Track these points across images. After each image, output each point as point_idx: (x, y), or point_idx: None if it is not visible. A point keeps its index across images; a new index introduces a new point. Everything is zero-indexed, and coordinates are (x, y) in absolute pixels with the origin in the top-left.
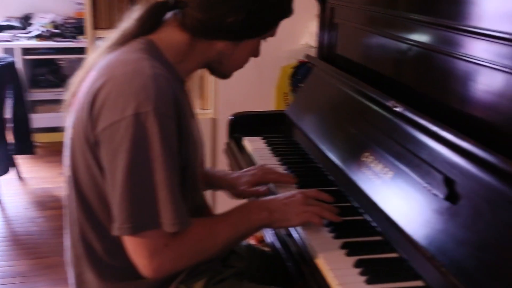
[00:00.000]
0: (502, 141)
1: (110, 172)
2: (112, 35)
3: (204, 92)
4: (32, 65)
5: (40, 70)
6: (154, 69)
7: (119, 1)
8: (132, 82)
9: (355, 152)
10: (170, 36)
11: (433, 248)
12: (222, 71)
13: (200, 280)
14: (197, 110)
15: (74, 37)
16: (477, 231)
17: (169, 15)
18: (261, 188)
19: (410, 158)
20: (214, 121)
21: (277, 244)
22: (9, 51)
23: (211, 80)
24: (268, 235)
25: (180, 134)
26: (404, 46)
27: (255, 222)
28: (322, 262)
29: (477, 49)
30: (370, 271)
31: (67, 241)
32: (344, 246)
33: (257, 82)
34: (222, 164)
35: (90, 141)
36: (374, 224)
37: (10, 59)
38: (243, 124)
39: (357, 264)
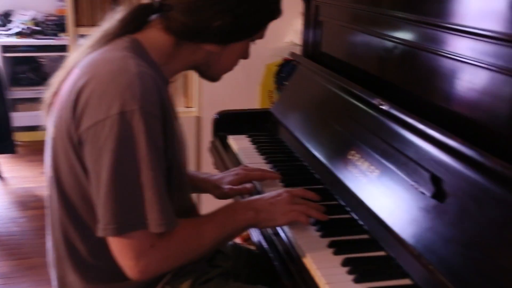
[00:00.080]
0: (487, 138)
1: (94, 172)
2: (94, 34)
3: (188, 90)
4: (13, 63)
5: (21, 68)
6: (139, 67)
7: None
8: (117, 80)
9: (341, 150)
10: (155, 37)
11: (421, 246)
12: (211, 74)
13: (186, 281)
14: (181, 108)
15: (55, 35)
16: (464, 228)
17: (154, 17)
18: (248, 185)
19: (397, 156)
20: (198, 119)
21: (264, 243)
22: None
23: (195, 78)
24: (255, 234)
25: (165, 134)
26: (389, 44)
27: (242, 222)
28: (309, 261)
29: (462, 46)
30: (358, 269)
31: (49, 242)
32: (331, 245)
33: (241, 80)
34: (206, 163)
35: (74, 141)
36: (361, 222)
37: None
38: (228, 123)
39: (345, 263)
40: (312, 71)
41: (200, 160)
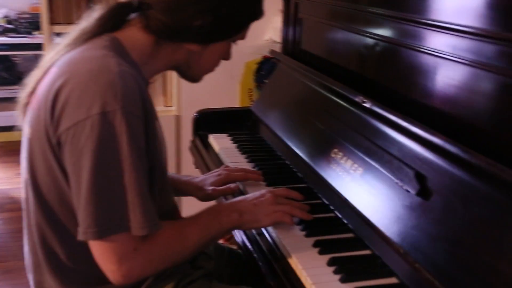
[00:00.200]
0: (468, 134)
1: (74, 173)
2: (71, 33)
3: (167, 89)
4: None
5: None
6: (120, 66)
7: None
8: (98, 80)
9: (323, 149)
10: (135, 36)
11: (406, 244)
12: (191, 75)
13: (169, 284)
14: (160, 107)
15: (29, 33)
16: (450, 226)
17: (133, 15)
18: (232, 185)
19: (380, 154)
20: (177, 118)
21: (248, 244)
22: None
23: (173, 77)
24: (238, 234)
25: (147, 135)
26: (368, 40)
27: (226, 224)
28: (294, 262)
29: (441, 43)
30: (344, 269)
31: (26, 246)
32: (316, 244)
33: (220, 78)
34: (186, 162)
35: (52, 142)
36: (345, 221)
37: None
38: (208, 121)
39: (331, 263)
40: (293, 69)
41: (180, 160)
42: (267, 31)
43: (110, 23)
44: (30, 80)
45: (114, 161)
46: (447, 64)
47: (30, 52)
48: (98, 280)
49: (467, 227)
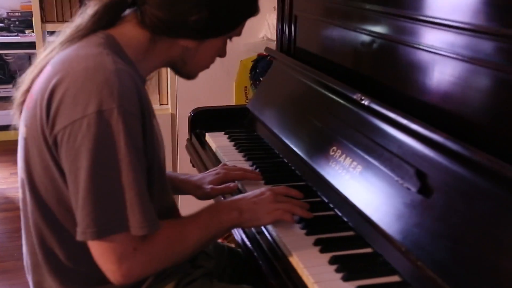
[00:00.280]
0: (467, 131)
1: (71, 173)
2: (65, 30)
3: (161, 87)
4: None
5: None
6: (116, 64)
7: None
8: (94, 78)
9: (321, 146)
10: (130, 32)
11: (408, 242)
12: (186, 71)
13: (169, 283)
14: (155, 106)
15: (21, 31)
16: (451, 223)
17: (128, 11)
18: (231, 184)
19: (380, 151)
20: (173, 117)
21: (247, 242)
22: None
23: (168, 75)
24: (237, 233)
25: (144, 133)
26: (364, 37)
27: (226, 223)
28: (296, 260)
29: (438, 39)
30: (346, 267)
31: (24, 247)
32: (317, 243)
33: (216, 76)
34: (182, 161)
35: (49, 141)
36: (345, 219)
37: None
38: (204, 120)
39: (332, 261)
40: (289, 66)
41: (176, 158)
42: (262, 29)
43: (105, 19)
44: (25, 78)
45: (111, 160)
46: (444, 61)
47: (23, 51)
48: (98, 280)
49: (469, 224)
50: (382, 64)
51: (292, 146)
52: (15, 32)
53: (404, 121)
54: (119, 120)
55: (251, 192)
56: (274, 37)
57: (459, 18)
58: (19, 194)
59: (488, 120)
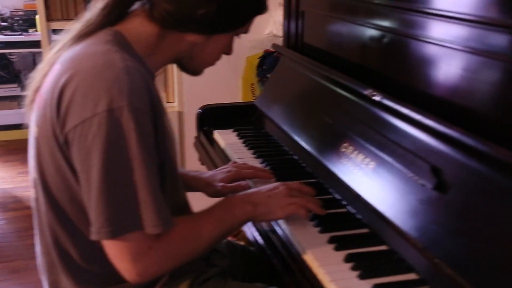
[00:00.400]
0: (479, 124)
1: (83, 172)
2: (74, 26)
3: (168, 85)
4: None
5: None
6: (125, 61)
7: None
8: (103, 76)
9: (332, 143)
10: (138, 27)
11: (425, 239)
12: (193, 67)
13: (184, 282)
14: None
15: (25, 30)
16: (469, 219)
17: (136, 5)
18: (242, 183)
19: (393, 147)
20: (180, 115)
21: (260, 240)
22: None
23: (174, 72)
24: (249, 231)
25: (156, 130)
26: (373, 32)
27: (239, 216)
28: (310, 258)
29: (449, 32)
30: (362, 265)
31: (37, 247)
32: (331, 241)
33: (222, 73)
34: (190, 159)
35: (60, 141)
36: (359, 216)
37: None
38: (212, 117)
39: (348, 259)
40: (297, 63)
41: (184, 156)
42: (268, 25)
43: (115, 13)
44: (35, 76)
45: (123, 159)
46: (454, 54)
47: (27, 50)
48: (113, 279)
49: (487, 221)
50: (390, 59)
51: (302, 142)
52: (19, 31)
53: (418, 117)
54: (130, 118)
55: (265, 186)
56: (280, 33)
57: (470, 10)
58: (32, 194)
59: (501, 114)
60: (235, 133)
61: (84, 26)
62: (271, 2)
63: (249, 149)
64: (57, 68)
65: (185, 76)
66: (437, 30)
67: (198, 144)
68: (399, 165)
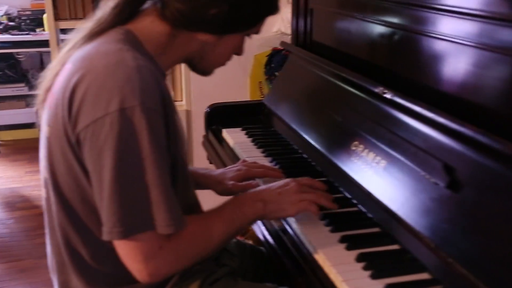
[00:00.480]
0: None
1: (95, 172)
2: (86, 25)
3: (175, 83)
4: None
5: None
6: (137, 60)
7: None
8: (115, 75)
9: (343, 141)
10: (149, 26)
11: (438, 238)
12: (203, 67)
13: (195, 282)
14: None
15: (32, 30)
16: (483, 218)
17: (148, 4)
18: (253, 182)
19: (404, 145)
20: (188, 113)
21: (271, 240)
22: None
23: (182, 71)
24: (259, 230)
25: (167, 129)
26: (383, 29)
27: (250, 214)
28: (322, 258)
29: (460, 28)
30: (374, 265)
31: (48, 246)
32: (343, 240)
33: (230, 71)
34: (198, 158)
35: (71, 141)
36: (370, 215)
37: None
38: (220, 116)
39: (359, 259)
40: (306, 60)
41: (192, 155)
42: (276, 23)
43: (126, 12)
44: (47, 75)
45: (135, 158)
46: (466, 51)
47: (34, 49)
48: (123, 280)
49: (502, 219)
50: (400, 56)
51: (311, 141)
52: (26, 31)
53: (430, 115)
54: (142, 118)
55: (275, 183)
56: (288, 31)
57: (478, 6)
58: (42, 194)
59: None
60: (244, 131)
61: (95, 25)
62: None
63: (258, 147)
64: (68, 68)
65: (193, 75)
66: (447, 26)
67: (207, 143)
68: (411, 163)
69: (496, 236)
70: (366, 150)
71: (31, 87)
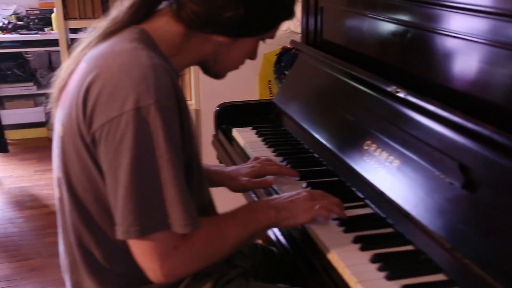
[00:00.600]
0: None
1: (111, 172)
2: (100, 24)
3: (184, 82)
4: None
5: (6, 65)
6: (152, 59)
7: None
8: (130, 74)
9: (354, 141)
10: (164, 27)
11: (453, 239)
12: (216, 70)
13: (207, 283)
14: None
15: (40, 29)
16: (500, 218)
17: (163, 4)
18: (268, 178)
19: (418, 145)
20: (197, 113)
21: (283, 241)
22: None
23: (191, 70)
24: (272, 231)
25: (182, 128)
26: (394, 26)
27: (263, 221)
28: (335, 259)
29: (472, 26)
30: (389, 266)
31: (61, 246)
32: (356, 241)
33: (239, 71)
34: (208, 157)
35: (86, 140)
36: (383, 215)
37: None
38: (230, 115)
39: (374, 259)
40: (316, 59)
41: (202, 154)
42: (285, 22)
43: (142, 12)
44: (61, 74)
45: (151, 158)
46: (478, 48)
47: (42, 48)
48: (136, 280)
49: None
50: (411, 53)
51: (322, 140)
52: (35, 30)
53: (445, 113)
54: (157, 116)
55: (286, 193)
56: (298, 30)
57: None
58: (55, 193)
59: None
60: (254, 131)
61: (110, 24)
62: None
63: (269, 147)
64: (83, 67)
65: (202, 74)
66: (460, 23)
67: (217, 142)
68: (425, 163)
69: None
70: (379, 150)
71: (40, 86)
